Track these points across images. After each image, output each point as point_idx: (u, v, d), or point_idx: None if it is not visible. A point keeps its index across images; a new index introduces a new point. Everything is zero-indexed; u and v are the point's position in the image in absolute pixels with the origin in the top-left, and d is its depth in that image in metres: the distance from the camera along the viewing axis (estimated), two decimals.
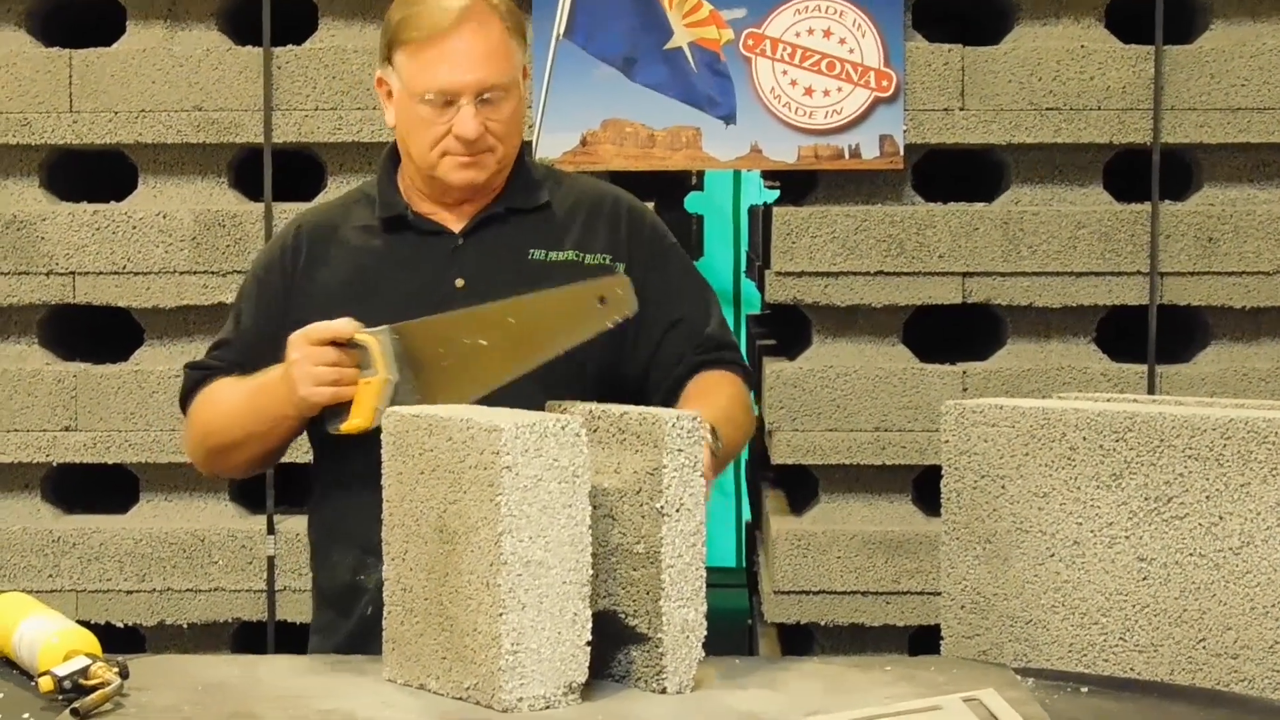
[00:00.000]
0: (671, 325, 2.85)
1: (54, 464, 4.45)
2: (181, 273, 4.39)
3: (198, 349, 4.31)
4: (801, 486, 4.62)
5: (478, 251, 2.85)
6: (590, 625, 2.38)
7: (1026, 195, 4.39)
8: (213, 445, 2.87)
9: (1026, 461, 2.58)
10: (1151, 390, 4.31)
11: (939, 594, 2.70)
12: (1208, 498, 2.44)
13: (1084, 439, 2.53)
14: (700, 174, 5.79)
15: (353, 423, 2.64)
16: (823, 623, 4.39)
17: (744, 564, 6.83)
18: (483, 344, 2.61)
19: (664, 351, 2.84)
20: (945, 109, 4.33)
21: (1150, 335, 4.33)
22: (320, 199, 4.24)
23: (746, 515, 6.82)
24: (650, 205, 3.03)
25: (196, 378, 2.90)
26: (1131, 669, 2.51)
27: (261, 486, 4.42)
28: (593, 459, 2.40)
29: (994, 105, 4.32)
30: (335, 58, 4.37)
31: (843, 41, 4.32)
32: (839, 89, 4.32)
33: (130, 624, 4.44)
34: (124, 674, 2.38)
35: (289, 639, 4.33)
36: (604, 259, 2.86)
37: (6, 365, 4.44)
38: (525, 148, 2.94)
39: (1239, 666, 2.42)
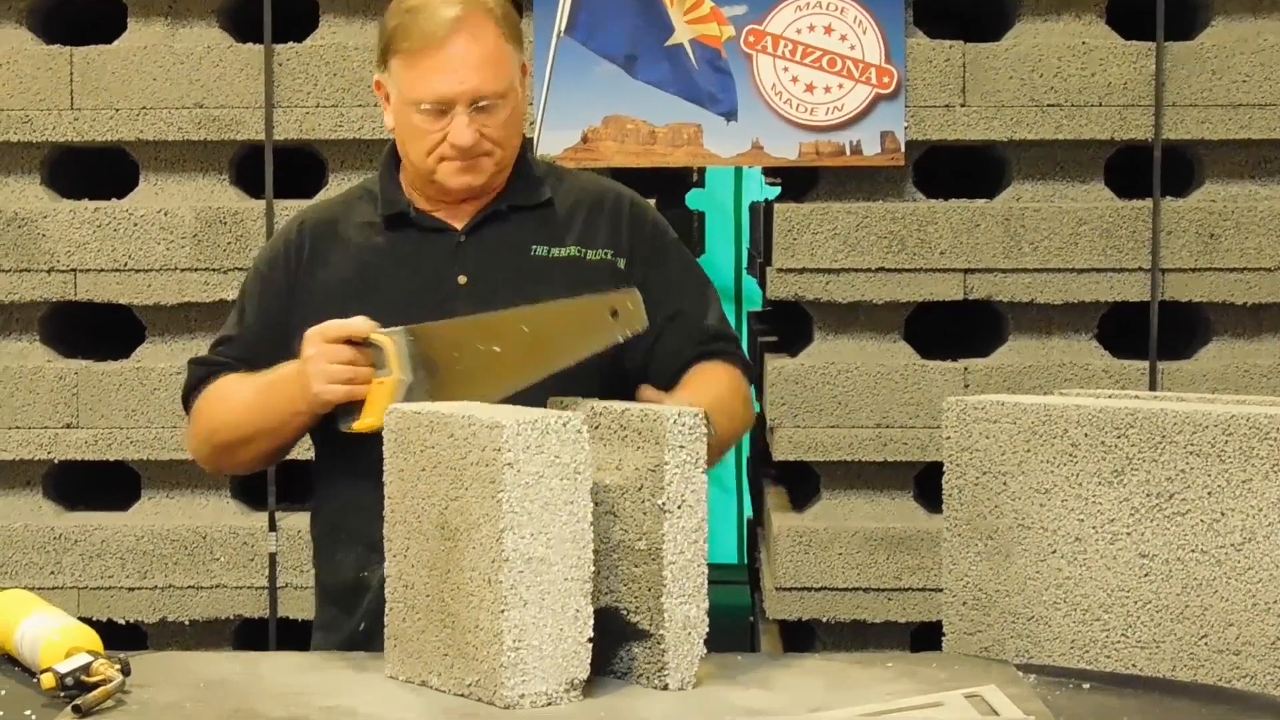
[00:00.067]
0: (671, 319, 2.85)
1: (55, 461, 4.45)
2: (183, 270, 4.39)
3: (199, 346, 4.32)
4: (803, 483, 4.62)
5: (480, 248, 2.85)
6: (592, 622, 2.38)
7: (1028, 192, 4.39)
8: (220, 441, 2.87)
9: (1028, 458, 2.58)
10: (1153, 387, 4.31)
11: (941, 590, 2.70)
12: (1209, 494, 2.44)
13: (1085, 435, 2.53)
14: (701, 171, 5.79)
15: (365, 422, 2.64)
16: (824, 619, 4.39)
17: (746, 560, 6.83)
18: (496, 350, 2.61)
19: (664, 344, 2.84)
20: (946, 105, 4.33)
21: (1152, 331, 4.32)
22: (321, 196, 4.24)
23: (748, 512, 6.82)
24: (651, 202, 3.03)
25: (201, 374, 2.90)
26: (1133, 665, 2.51)
27: (263, 484, 4.42)
28: (594, 456, 2.40)
29: (995, 102, 4.32)
30: (336, 55, 4.37)
31: (844, 38, 4.32)
32: (840, 85, 4.32)
33: (132, 621, 4.44)
34: (126, 671, 2.38)
35: (290, 636, 4.33)
36: (605, 254, 2.86)
37: (8, 363, 4.45)
38: (527, 145, 2.94)
39: (1241, 663, 2.42)
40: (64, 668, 2.35)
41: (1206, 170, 4.38)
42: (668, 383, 2.81)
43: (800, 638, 4.54)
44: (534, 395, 2.63)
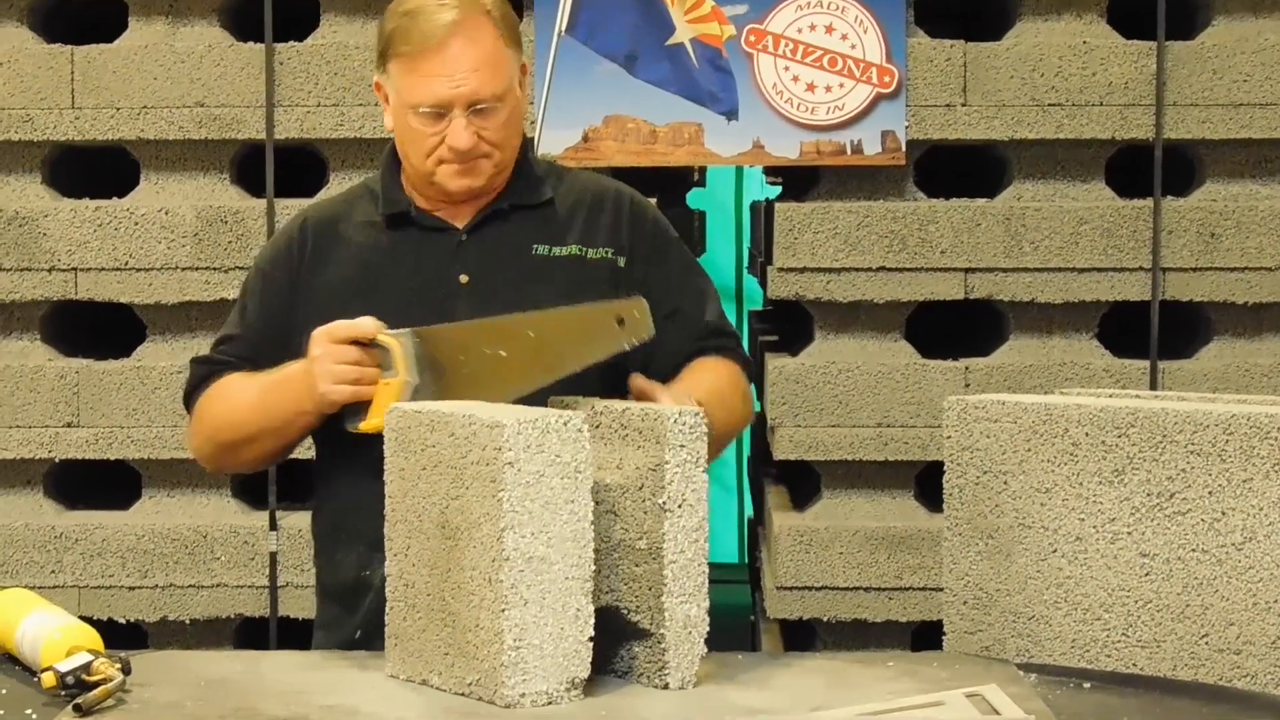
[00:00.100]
0: (670, 316, 2.85)
1: (56, 460, 4.45)
2: (184, 269, 4.39)
3: (200, 345, 4.32)
4: (804, 482, 4.62)
5: (481, 248, 2.85)
6: (593, 621, 2.38)
7: (1028, 191, 4.39)
8: (224, 440, 2.87)
9: (1029, 457, 2.58)
10: (1154, 386, 4.31)
11: (941, 589, 2.70)
12: (1210, 493, 2.44)
13: (1086, 435, 2.53)
14: (702, 170, 5.79)
15: (371, 422, 2.64)
16: (825, 618, 4.39)
17: (746, 560, 6.83)
18: (502, 355, 2.62)
19: (663, 341, 2.84)
20: (947, 105, 4.33)
21: (1152, 331, 4.32)
22: (322, 195, 4.24)
23: (749, 511, 6.82)
24: (653, 201, 3.03)
25: (203, 373, 2.90)
26: (1134, 665, 2.51)
27: (263, 483, 4.42)
28: (595, 455, 2.41)
29: (996, 101, 4.32)
30: (337, 54, 4.37)
31: (845, 37, 4.32)
32: (841, 85, 4.32)
33: (133, 620, 4.44)
34: (126, 670, 2.38)
35: (291, 635, 4.33)
36: (606, 253, 2.87)
37: (9, 361, 4.45)
38: (528, 144, 2.94)
39: (1241, 662, 2.42)
40: (65, 667, 2.35)
41: (1207, 170, 4.38)
42: (666, 378, 2.81)
43: (801, 637, 4.54)
44: (536, 394, 2.63)
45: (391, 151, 2.92)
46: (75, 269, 4.40)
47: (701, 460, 2.43)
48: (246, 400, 2.82)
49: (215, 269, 4.38)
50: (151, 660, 2.59)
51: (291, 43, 4.40)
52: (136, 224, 4.39)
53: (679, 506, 2.41)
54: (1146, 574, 2.49)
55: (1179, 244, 4.32)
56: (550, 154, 4.24)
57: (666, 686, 2.43)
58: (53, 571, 4.42)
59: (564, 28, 4.33)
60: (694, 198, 5.96)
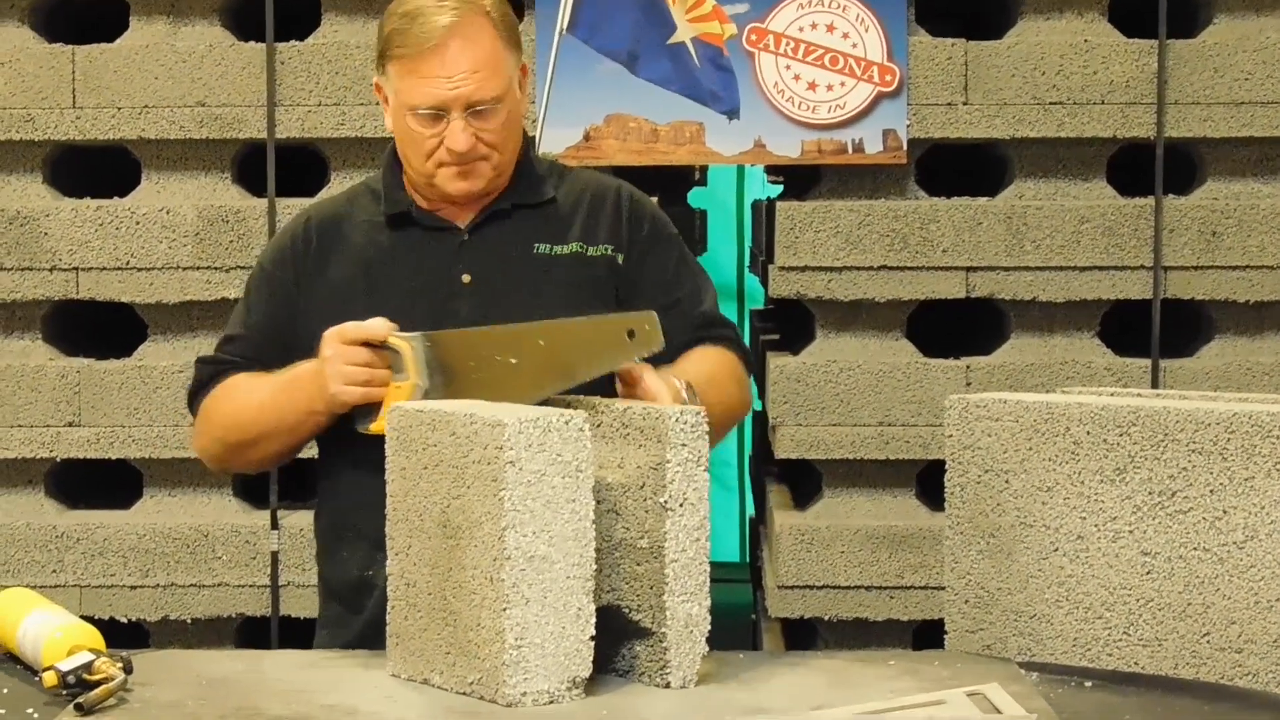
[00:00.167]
0: (667, 308, 2.85)
1: (58, 459, 4.45)
2: (185, 268, 4.39)
3: (201, 345, 4.33)
4: (805, 481, 4.62)
5: (483, 247, 2.85)
6: (594, 620, 2.38)
7: (1030, 190, 4.39)
8: (233, 441, 2.87)
9: (1030, 456, 2.58)
10: (1155, 385, 4.31)
11: (943, 589, 2.70)
12: (1211, 492, 2.44)
13: (1088, 433, 2.53)
14: (704, 169, 5.79)
15: (382, 424, 2.64)
16: (826, 617, 4.39)
17: (748, 559, 6.83)
18: (512, 362, 2.62)
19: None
20: (949, 103, 4.33)
21: (1154, 329, 4.32)
22: (324, 194, 4.24)
23: (750, 510, 6.82)
24: (654, 200, 3.03)
25: (209, 373, 2.90)
26: (1135, 663, 2.51)
27: (265, 482, 4.42)
28: (596, 454, 2.41)
29: (997, 100, 4.32)
30: (338, 53, 4.37)
31: (846, 36, 4.32)
32: (842, 84, 4.32)
33: (134, 619, 4.44)
34: (128, 669, 2.39)
35: (293, 634, 4.33)
36: (606, 250, 2.87)
37: (10, 361, 4.45)
38: (529, 143, 2.94)
39: (1243, 661, 2.42)
40: (66, 666, 2.36)
41: (1209, 168, 4.38)
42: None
43: (802, 636, 4.54)
44: (544, 404, 2.62)
45: (393, 151, 2.92)
46: (76, 268, 4.40)
47: (703, 459, 2.43)
48: (255, 400, 2.82)
49: (216, 268, 4.38)
50: (153, 659, 2.59)
51: (292, 42, 4.40)
52: (138, 223, 4.39)
53: (680, 505, 2.41)
54: (1148, 572, 2.49)
55: (1180, 243, 4.32)
56: (552, 153, 4.24)
57: (668, 685, 2.43)
58: (54, 571, 4.42)
59: (565, 26, 4.33)
60: (695, 197, 5.96)
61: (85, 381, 4.41)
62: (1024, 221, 4.33)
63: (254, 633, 4.48)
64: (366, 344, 2.68)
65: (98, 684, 2.34)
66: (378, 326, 2.67)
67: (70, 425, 4.42)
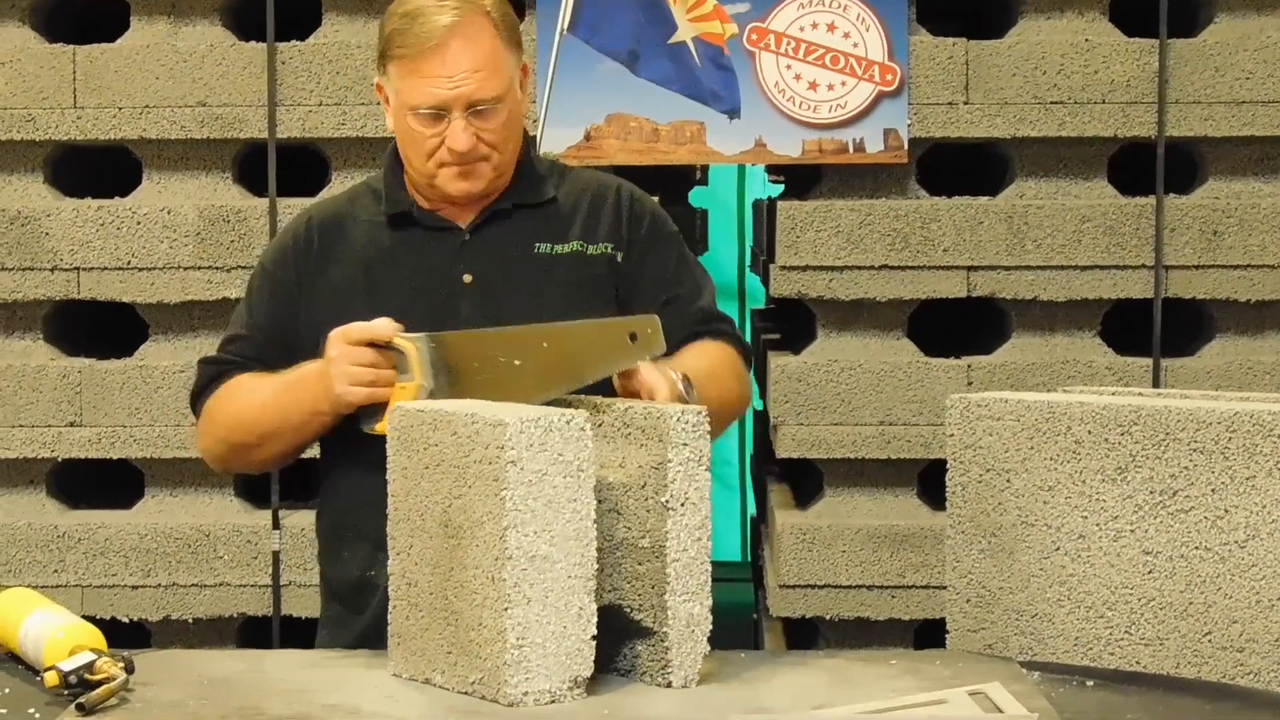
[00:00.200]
0: (666, 304, 2.86)
1: (59, 459, 4.45)
2: (186, 268, 4.39)
3: (202, 345, 4.33)
4: (806, 480, 4.62)
5: (484, 247, 2.85)
6: (595, 620, 2.38)
7: (1031, 189, 4.39)
8: (237, 441, 2.87)
9: (1031, 455, 2.58)
10: (1156, 384, 4.31)
11: (944, 588, 2.70)
12: (1213, 491, 2.44)
13: (1089, 433, 2.53)
14: (704, 168, 5.79)
15: (386, 424, 2.64)
16: (828, 617, 4.39)
17: (749, 558, 6.83)
18: (516, 364, 2.62)
19: None
20: (949, 103, 4.33)
21: (1155, 329, 4.32)
22: (325, 194, 4.24)
23: (751, 509, 6.82)
24: (655, 199, 3.04)
25: (212, 373, 2.90)
26: (1137, 662, 2.51)
27: (266, 482, 4.42)
28: (598, 453, 2.41)
29: (998, 99, 4.32)
30: (339, 53, 4.37)
31: (847, 35, 4.32)
32: (843, 83, 4.32)
33: (136, 619, 4.44)
34: (129, 669, 2.39)
35: (294, 634, 4.33)
36: (605, 248, 2.87)
37: (12, 361, 4.45)
38: (530, 143, 2.95)
39: (1245, 660, 2.42)
40: (67, 666, 2.36)
41: (1210, 167, 4.38)
42: None
43: (804, 635, 4.54)
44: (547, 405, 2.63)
45: (394, 151, 2.92)
46: (78, 268, 4.40)
47: (704, 458, 2.43)
48: (260, 400, 2.82)
49: (217, 268, 4.38)
50: (154, 659, 2.59)
51: (293, 42, 4.40)
52: (139, 223, 4.39)
53: (682, 505, 2.41)
54: (1149, 572, 2.49)
55: (1181, 242, 4.32)
56: (553, 152, 4.24)
57: (669, 685, 2.43)
58: (56, 571, 4.42)
59: (566, 26, 4.33)
60: (696, 196, 5.96)
61: (86, 381, 4.42)
62: (1025, 221, 4.33)
63: (255, 633, 4.48)
64: (372, 344, 2.68)
65: (99, 684, 2.34)
66: (383, 327, 2.68)
67: (71, 425, 4.42)
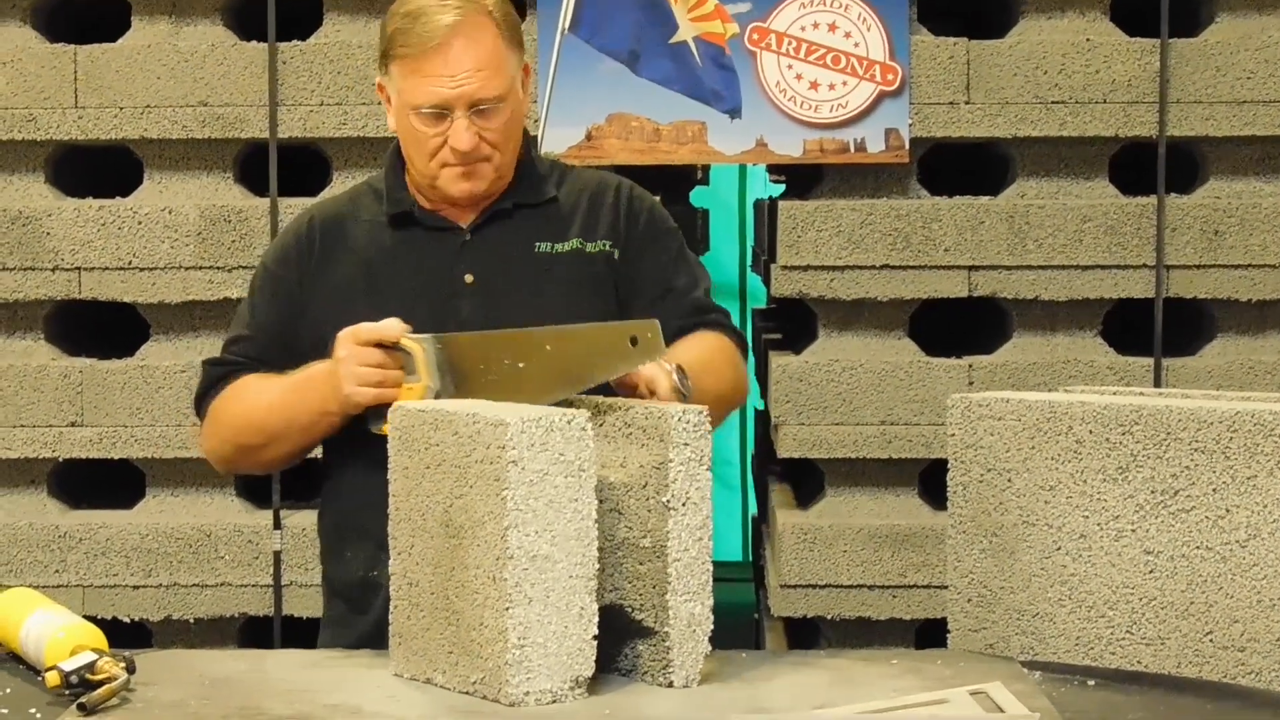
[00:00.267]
0: (662, 297, 2.86)
1: (60, 459, 4.46)
2: (187, 268, 4.39)
3: (203, 344, 4.33)
4: (808, 480, 4.62)
5: (485, 247, 2.86)
6: (596, 619, 2.38)
7: (1032, 189, 4.39)
8: (244, 442, 2.87)
9: (1033, 455, 2.58)
10: (1158, 383, 4.31)
11: (945, 587, 2.70)
12: (1214, 491, 2.44)
13: (1090, 432, 2.53)
14: (706, 168, 5.79)
15: None
16: (829, 616, 4.39)
17: (750, 558, 6.83)
18: (520, 367, 2.63)
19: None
20: (951, 103, 4.33)
21: (1156, 328, 4.32)
22: (326, 194, 4.24)
23: (753, 509, 6.82)
24: (656, 199, 3.04)
25: (217, 374, 2.90)
26: (1139, 662, 2.51)
27: (267, 482, 4.42)
28: (599, 453, 2.41)
29: (999, 99, 4.32)
30: (340, 53, 4.37)
31: (848, 35, 4.32)
32: (844, 83, 4.32)
33: (137, 619, 4.44)
34: (130, 669, 2.39)
35: (295, 634, 4.33)
36: (604, 246, 2.88)
37: (13, 361, 4.45)
38: (531, 143, 2.95)
39: (1246, 659, 2.42)
40: (69, 666, 2.36)
41: (1211, 167, 4.38)
42: None
43: (805, 635, 4.54)
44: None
45: (395, 151, 2.92)
46: (79, 268, 4.40)
47: (706, 458, 2.43)
48: (267, 401, 2.82)
49: (219, 268, 4.38)
50: (156, 659, 2.59)
51: (294, 42, 4.40)
52: (140, 223, 4.39)
53: (683, 504, 2.41)
54: (1151, 571, 2.49)
55: (1183, 241, 4.32)
56: (554, 152, 4.24)
57: (671, 685, 2.43)
58: (57, 571, 4.42)
59: (567, 26, 4.33)
60: (697, 196, 5.96)
61: (88, 381, 4.42)
62: (1026, 220, 4.32)
63: (257, 632, 4.48)
64: (380, 345, 2.68)
65: (100, 684, 2.34)
66: (391, 328, 2.68)
67: (73, 425, 4.42)
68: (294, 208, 4.29)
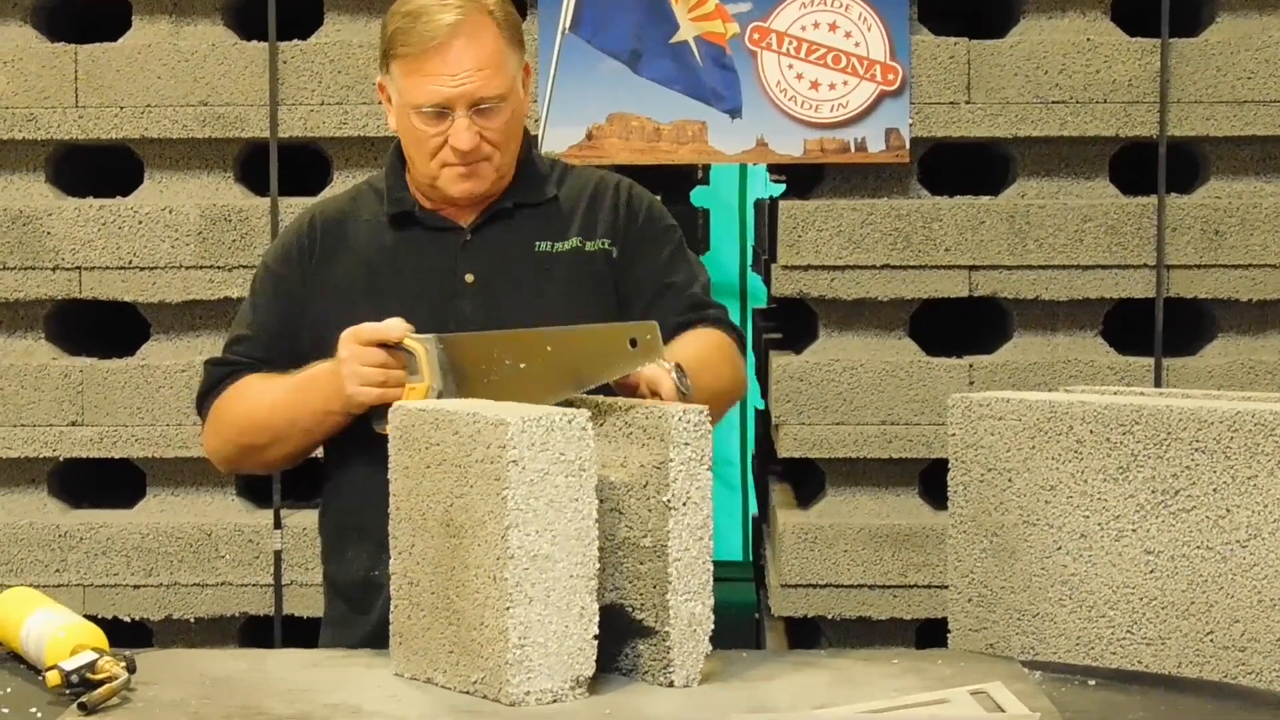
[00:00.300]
0: (660, 293, 2.86)
1: (61, 459, 4.46)
2: (187, 268, 4.39)
3: (204, 344, 4.33)
4: (808, 480, 4.62)
5: (485, 247, 2.86)
6: (597, 619, 2.38)
7: (1033, 188, 4.39)
8: (247, 442, 2.87)
9: (1033, 455, 2.58)
10: (1158, 383, 4.31)
11: (946, 587, 2.70)
12: (1215, 490, 2.44)
13: (1091, 432, 2.53)
14: (706, 168, 5.78)
15: None
16: (830, 616, 4.39)
17: (751, 558, 6.83)
18: (522, 367, 2.63)
19: (651, 317, 2.83)
20: (951, 102, 4.33)
21: (1157, 328, 4.32)
22: (326, 194, 4.24)
23: (753, 509, 6.82)
24: (656, 197, 3.04)
25: (220, 374, 2.90)
26: (1139, 662, 2.51)
27: (268, 481, 4.42)
28: (599, 453, 2.41)
29: (1000, 99, 4.32)
30: (341, 52, 4.37)
31: (848, 35, 4.32)
32: (845, 83, 4.32)
33: (137, 618, 4.44)
34: (131, 668, 2.39)
35: (296, 633, 4.33)
36: (603, 244, 2.88)
37: (13, 360, 4.45)
38: (532, 142, 2.95)
39: (1246, 659, 2.42)
40: (69, 665, 2.36)
41: (1211, 167, 4.38)
42: None
43: (805, 634, 4.54)
44: None
45: (396, 150, 2.92)
46: (79, 268, 4.40)
47: (706, 458, 2.43)
48: (270, 400, 2.82)
49: (219, 268, 4.38)
50: (156, 659, 2.59)
51: (295, 41, 4.40)
52: (140, 223, 4.39)
53: (683, 504, 2.41)
54: (1151, 571, 2.49)
55: (1183, 241, 4.32)
56: (554, 152, 4.24)
57: (671, 684, 2.43)
58: (57, 570, 4.42)
59: (568, 25, 4.33)
60: (698, 195, 5.96)
61: (88, 381, 4.42)
62: (1027, 220, 4.32)
63: (257, 632, 4.48)
64: (382, 345, 2.68)
65: (101, 683, 2.34)
66: (394, 328, 2.68)
67: (73, 425, 4.42)
68: (294, 207, 4.29)
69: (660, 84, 4.34)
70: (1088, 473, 2.53)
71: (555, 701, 2.35)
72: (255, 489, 4.51)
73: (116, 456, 4.44)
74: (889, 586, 4.36)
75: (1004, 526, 2.61)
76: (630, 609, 2.45)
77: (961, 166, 4.56)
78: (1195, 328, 4.45)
